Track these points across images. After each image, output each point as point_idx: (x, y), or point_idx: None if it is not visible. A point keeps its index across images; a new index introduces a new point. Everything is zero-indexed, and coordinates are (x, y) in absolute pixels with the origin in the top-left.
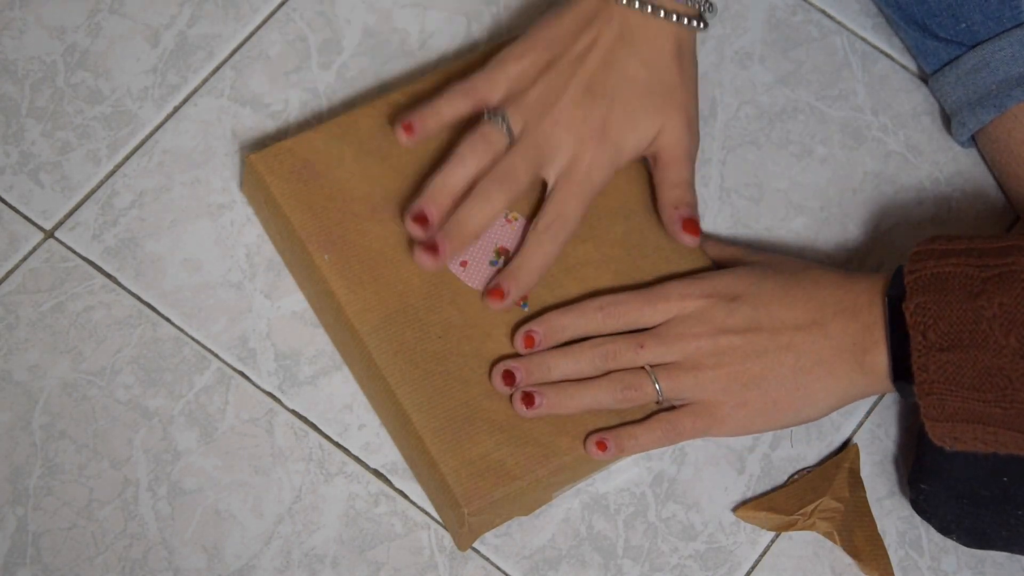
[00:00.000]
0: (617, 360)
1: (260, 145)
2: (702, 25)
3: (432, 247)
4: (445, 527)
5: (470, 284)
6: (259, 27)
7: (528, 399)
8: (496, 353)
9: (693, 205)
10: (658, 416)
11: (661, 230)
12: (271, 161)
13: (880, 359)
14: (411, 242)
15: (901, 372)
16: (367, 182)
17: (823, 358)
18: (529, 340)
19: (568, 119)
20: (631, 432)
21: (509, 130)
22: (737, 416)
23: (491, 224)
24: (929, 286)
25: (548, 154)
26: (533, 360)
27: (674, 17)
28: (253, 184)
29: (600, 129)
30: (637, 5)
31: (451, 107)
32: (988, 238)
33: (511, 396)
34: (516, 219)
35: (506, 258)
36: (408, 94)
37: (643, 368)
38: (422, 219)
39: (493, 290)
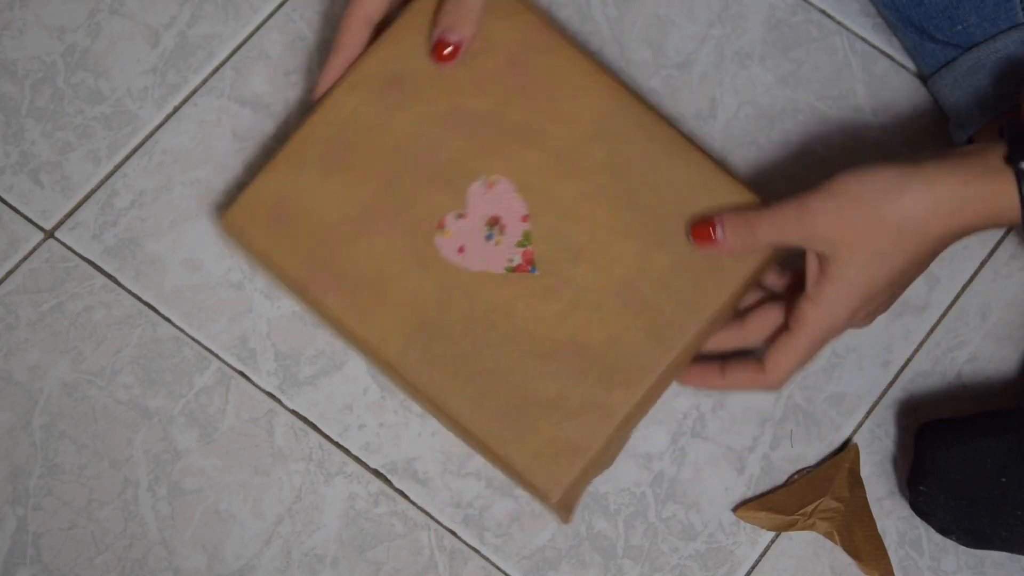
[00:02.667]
0: None
1: (230, 189)
2: None
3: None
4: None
5: (473, 268)
6: (259, 27)
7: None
8: (524, 330)
9: (459, 30)
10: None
11: (642, 140)
12: (245, 216)
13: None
14: (405, 250)
15: None
16: (341, 202)
17: (947, 233)
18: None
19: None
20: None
21: None
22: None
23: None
24: None
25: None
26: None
27: None
28: (235, 236)
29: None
30: None
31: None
32: None
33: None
34: (496, 182)
35: (500, 227)
36: (335, 98)
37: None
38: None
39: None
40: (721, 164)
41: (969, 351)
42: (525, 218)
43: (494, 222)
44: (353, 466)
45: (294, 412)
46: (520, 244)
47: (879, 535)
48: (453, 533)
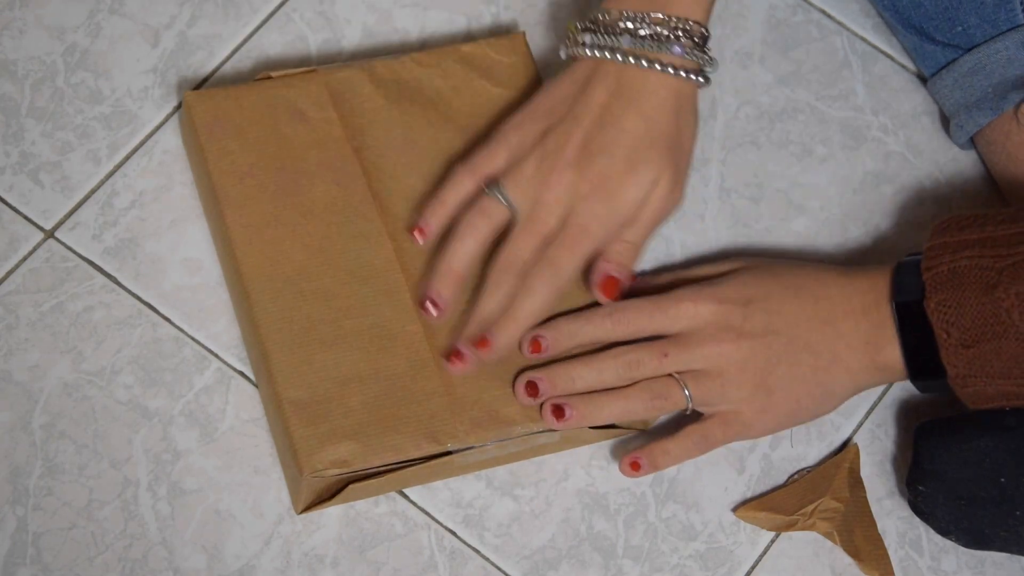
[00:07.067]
0: (641, 369)
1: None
2: (702, 80)
3: (458, 354)
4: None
5: None
6: (259, 27)
7: (558, 411)
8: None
9: (626, 267)
10: (689, 428)
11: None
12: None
13: (894, 355)
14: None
15: (916, 367)
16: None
17: (838, 355)
18: (536, 345)
19: (566, 182)
20: (663, 447)
21: (508, 202)
22: (765, 420)
23: (517, 314)
24: (947, 282)
25: (547, 221)
26: (556, 371)
27: (671, 70)
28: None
29: (597, 183)
30: (632, 60)
31: (455, 191)
32: (1000, 221)
33: (540, 407)
34: None
35: None
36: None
37: (671, 376)
38: (433, 304)
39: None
40: None
41: None
42: None
43: None
44: None
45: None
46: None
47: (879, 535)
48: (453, 533)
